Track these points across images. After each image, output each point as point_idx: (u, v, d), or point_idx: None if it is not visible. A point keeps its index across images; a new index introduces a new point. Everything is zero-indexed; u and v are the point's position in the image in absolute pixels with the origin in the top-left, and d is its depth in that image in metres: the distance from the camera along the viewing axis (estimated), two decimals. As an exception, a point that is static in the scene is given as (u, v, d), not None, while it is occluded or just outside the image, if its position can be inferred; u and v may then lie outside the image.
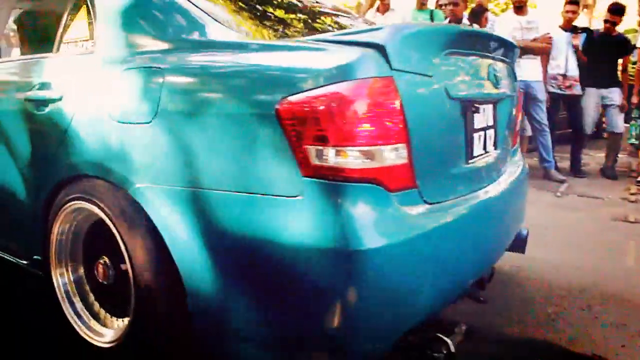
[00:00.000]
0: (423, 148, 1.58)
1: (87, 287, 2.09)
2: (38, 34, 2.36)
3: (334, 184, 1.39)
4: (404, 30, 1.57)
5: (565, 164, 6.26)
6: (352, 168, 1.40)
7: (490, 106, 2.07)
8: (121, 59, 1.84)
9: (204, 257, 1.58)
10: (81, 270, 2.10)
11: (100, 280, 1.99)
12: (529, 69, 5.41)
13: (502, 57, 2.20)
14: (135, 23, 1.89)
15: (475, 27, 5.30)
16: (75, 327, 2.03)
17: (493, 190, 2.01)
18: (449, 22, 5.47)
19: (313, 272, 1.40)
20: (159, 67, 1.70)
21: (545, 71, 5.69)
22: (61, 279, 2.09)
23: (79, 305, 2.07)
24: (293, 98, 1.40)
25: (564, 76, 5.88)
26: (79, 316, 2.05)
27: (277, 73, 1.50)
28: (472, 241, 1.82)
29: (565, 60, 5.84)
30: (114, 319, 2.01)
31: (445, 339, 1.77)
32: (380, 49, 1.45)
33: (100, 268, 1.97)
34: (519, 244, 2.52)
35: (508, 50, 2.27)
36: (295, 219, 1.41)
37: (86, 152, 1.87)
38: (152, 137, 1.66)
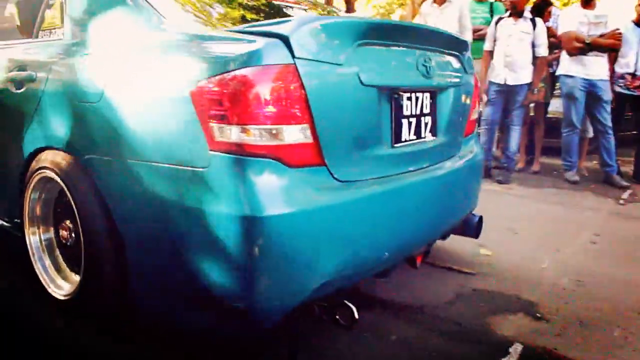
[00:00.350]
0: (332, 130, 1.75)
1: (55, 247, 2.40)
2: (29, 21, 2.64)
3: (236, 157, 1.59)
4: (308, 23, 1.73)
5: (629, 168, 5.81)
6: (253, 144, 1.59)
7: (426, 95, 2.23)
8: (81, 47, 2.13)
9: (135, 220, 1.85)
10: (51, 232, 2.41)
11: (64, 241, 2.29)
12: (594, 67, 5.21)
13: (441, 50, 2.34)
14: (92, 16, 2.16)
15: (539, 20, 5.29)
16: (42, 280, 2.34)
17: (427, 173, 2.19)
18: (509, 15, 5.34)
19: (217, 235, 1.60)
20: (103, 55, 2.01)
21: (612, 70, 5.45)
22: (33, 238, 2.40)
23: (47, 262, 2.38)
24: (202, 82, 1.62)
25: (633, 75, 5.47)
26: (46, 271, 2.36)
27: (193, 61, 1.71)
28: (390, 219, 1.97)
29: (635, 58, 5.44)
30: (73, 274, 2.31)
31: (351, 305, 1.92)
32: (284, 39, 1.63)
33: (64, 230, 2.27)
34: (470, 229, 2.74)
35: (452, 43, 2.44)
36: (203, 188, 1.62)
37: (52, 126, 2.15)
38: (96, 114, 1.92)
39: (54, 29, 2.40)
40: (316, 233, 1.69)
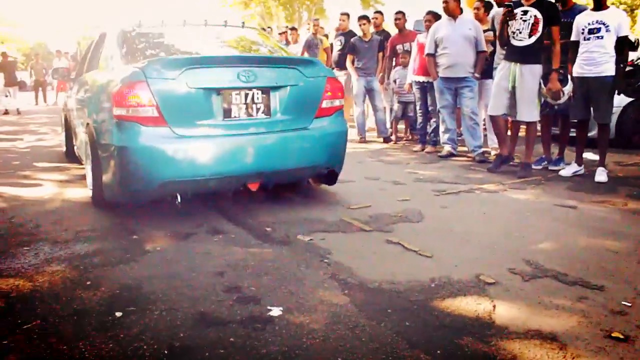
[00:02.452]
0: (172, 109, 3.84)
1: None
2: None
3: (123, 121, 3.81)
4: (155, 61, 3.97)
5: None
6: (129, 115, 3.79)
7: (256, 91, 4.08)
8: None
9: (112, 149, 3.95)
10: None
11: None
12: None
13: (268, 66, 4.27)
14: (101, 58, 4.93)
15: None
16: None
17: (256, 136, 4.08)
18: None
19: (123, 156, 3.83)
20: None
21: None
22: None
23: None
24: (113, 90, 3.90)
25: None
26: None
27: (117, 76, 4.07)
28: (212, 154, 3.92)
29: None
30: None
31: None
32: (141, 68, 3.87)
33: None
34: (322, 179, 4.73)
35: (281, 62, 4.52)
36: (117, 135, 3.84)
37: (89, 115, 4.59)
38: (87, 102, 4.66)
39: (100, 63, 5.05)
40: (159, 155, 3.81)
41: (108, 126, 3.95)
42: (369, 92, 8.31)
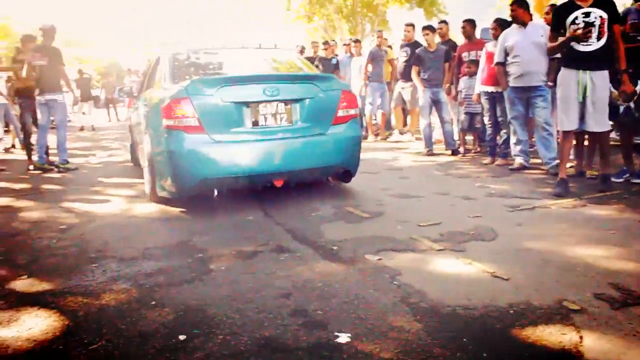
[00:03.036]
0: (209, 119, 4.58)
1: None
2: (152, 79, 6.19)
3: (171, 130, 4.60)
4: (195, 81, 4.72)
5: None
6: (176, 124, 4.57)
7: (280, 103, 4.83)
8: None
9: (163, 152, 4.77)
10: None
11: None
12: None
13: (289, 82, 5.02)
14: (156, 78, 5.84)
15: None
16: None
17: (279, 138, 4.79)
18: None
19: (171, 158, 4.63)
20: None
21: None
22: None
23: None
24: (163, 104, 4.74)
25: None
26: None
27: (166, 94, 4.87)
28: (244, 155, 4.66)
29: None
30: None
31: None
32: (186, 87, 4.66)
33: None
34: (339, 176, 5.54)
35: (300, 79, 5.27)
36: (166, 141, 4.63)
37: (147, 126, 5.47)
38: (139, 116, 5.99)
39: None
40: (199, 157, 4.55)
41: (160, 134, 4.76)
42: (436, 103, 8.10)
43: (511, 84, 6.45)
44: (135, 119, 6.73)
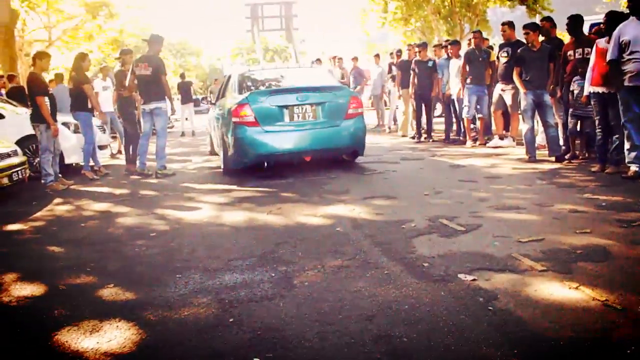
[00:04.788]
0: (262, 117, 7.10)
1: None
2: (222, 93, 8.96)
3: (237, 125, 7.13)
4: (254, 93, 7.42)
5: None
6: (240, 121, 7.10)
7: (307, 106, 7.27)
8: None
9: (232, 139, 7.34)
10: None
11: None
12: None
13: (314, 91, 7.44)
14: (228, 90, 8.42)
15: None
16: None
17: (307, 129, 7.26)
18: None
19: (237, 142, 7.19)
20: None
21: None
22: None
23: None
24: (233, 108, 7.26)
25: None
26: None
27: (234, 101, 7.42)
28: (283, 141, 7.19)
29: None
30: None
31: None
32: (246, 97, 7.27)
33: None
34: (350, 155, 8.16)
35: (324, 89, 7.62)
36: (232, 132, 7.22)
37: (222, 124, 8.04)
38: (216, 115, 8.76)
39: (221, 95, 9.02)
40: (255, 140, 7.08)
41: (230, 128, 7.29)
42: (539, 106, 7.56)
43: (626, 83, 5.88)
44: (213, 120, 9.26)
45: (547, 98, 7.53)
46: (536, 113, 7.72)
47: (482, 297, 2.90)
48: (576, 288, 2.96)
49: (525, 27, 7.72)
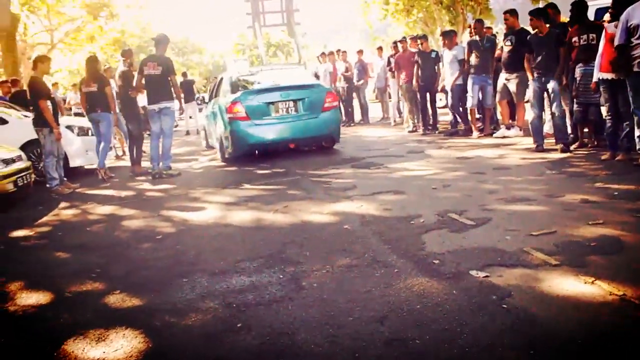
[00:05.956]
0: (252, 112, 8.37)
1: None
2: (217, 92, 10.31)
3: (231, 120, 8.40)
4: (245, 93, 8.70)
5: None
6: (234, 116, 8.38)
7: (290, 102, 8.59)
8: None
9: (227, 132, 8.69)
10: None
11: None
12: None
13: (295, 89, 8.74)
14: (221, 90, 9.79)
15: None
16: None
17: (290, 121, 8.56)
18: None
19: (232, 134, 8.46)
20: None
21: None
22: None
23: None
24: (227, 105, 8.55)
25: None
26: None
27: (228, 99, 8.75)
28: (269, 132, 8.48)
29: None
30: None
31: None
32: (238, 96, 8.56)
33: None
34: (328, 142, 9.52)
35: (302, 87, 8.90)
36: (227, 126, 8.51)
37: (218, 120, 9.30)
38: (211, 112, 10.25)
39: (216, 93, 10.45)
40: (247, 132, 8.35)
41: (225, 123, 8.58)
42: (546, 93, 7.45)
43: (636, 69, 5.76)
44: (207, 116, 10.73)
45: (553, 85, 7.38)
46: (546, 101, 7.60)
47: (495, 295, 2.83)
48: (592, 282, 2.89)
49: (529, 13, 7.59)
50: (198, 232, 4.70)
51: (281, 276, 3.40)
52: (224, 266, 3.68)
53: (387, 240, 3.96)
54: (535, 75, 7.45)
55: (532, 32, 7.68)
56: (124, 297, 3.30)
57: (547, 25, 7.62)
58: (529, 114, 7.88)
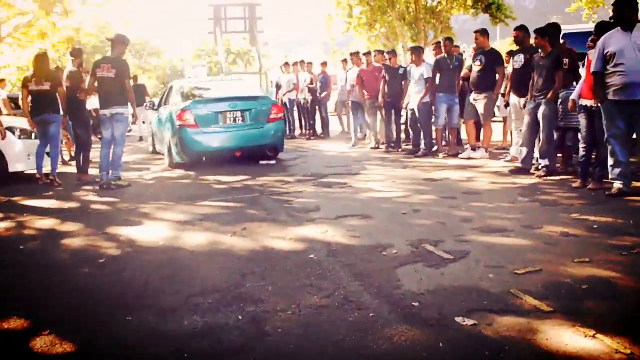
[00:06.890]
0: (201, 120, 8.86)
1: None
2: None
3: (181, 127, 8.85)
4: (196, 102, 9.19)
5: None
6: (183, 124, 8.83)
7: (237, 112, 9.15)
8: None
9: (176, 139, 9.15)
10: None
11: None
12: None
13: (244, 100, 9.34)
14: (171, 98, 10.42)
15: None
16: None
17: (237, 131, 9.15)
18: None
19: (180, 141, 8.95)
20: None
21: None
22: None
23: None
24: (177, 113, 9.04)
25: None
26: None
27: (178, 107, 9.27)
28: (216, 140, 9.01)
29: None
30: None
31: None
32: (188, 105, 9.06)
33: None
34: (272, 151, 9.75)
35: (250, 99, 9.52)
36: (179, 133, 8.90)
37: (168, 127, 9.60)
38: (160, 119, 10.42)
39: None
40: (195, 140, 8.82)
41: (175, 130, 8.91)
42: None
43: (611, 97, 5.58)
44: (156, 123, 10.91)
45: (544, 109, 7.02)
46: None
47: (487, 350, 2.48)
48: (593, 337, 2.56)
49: (534, 31, 7.19)
50: (146, 257, 4.21)
51: (240, 317, 2.96)
52: (174, 302, 3.22)
53: (358, 275, 3.57)
54: (533, 97, 7.10)
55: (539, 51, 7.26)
56: (53, 340, 2.80)
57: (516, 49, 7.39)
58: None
